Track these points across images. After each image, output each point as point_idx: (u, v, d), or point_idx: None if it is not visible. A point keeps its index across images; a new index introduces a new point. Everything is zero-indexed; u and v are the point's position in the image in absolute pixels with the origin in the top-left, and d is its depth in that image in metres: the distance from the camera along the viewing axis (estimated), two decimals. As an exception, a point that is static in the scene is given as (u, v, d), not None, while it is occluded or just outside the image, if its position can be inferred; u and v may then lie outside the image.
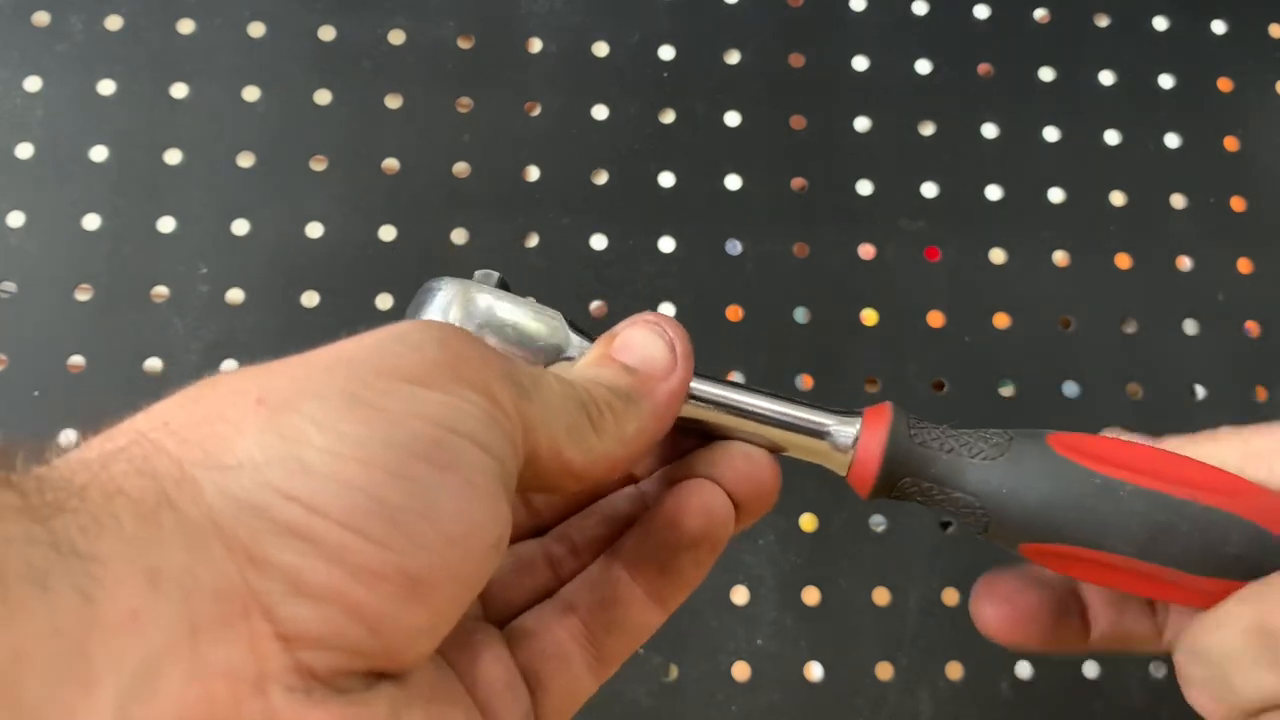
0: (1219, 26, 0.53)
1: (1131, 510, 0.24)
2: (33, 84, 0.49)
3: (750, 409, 0.26)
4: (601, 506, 0.28)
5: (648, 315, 0.26)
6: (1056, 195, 0.51)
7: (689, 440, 0.27)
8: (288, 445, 0.19)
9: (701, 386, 0.27)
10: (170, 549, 0.17)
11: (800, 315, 0.48)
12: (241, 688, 0.17)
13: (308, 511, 0.18)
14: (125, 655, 0.16)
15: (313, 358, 0.21)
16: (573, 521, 0.28)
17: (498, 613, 0.26)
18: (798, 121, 0.51)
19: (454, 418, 0.20)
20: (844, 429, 0.26)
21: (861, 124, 0.51)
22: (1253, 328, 0.49)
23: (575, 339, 0.27)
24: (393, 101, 0.50)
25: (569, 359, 0.26)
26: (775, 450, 0.27)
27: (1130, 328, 0.49)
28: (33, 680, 0.15)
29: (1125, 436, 0.27)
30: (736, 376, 0.47)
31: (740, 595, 0.45)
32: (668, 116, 0.51)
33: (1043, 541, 0.25)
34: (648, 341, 0.25)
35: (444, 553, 0.19)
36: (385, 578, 0.19)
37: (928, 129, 0.51)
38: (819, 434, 0.26)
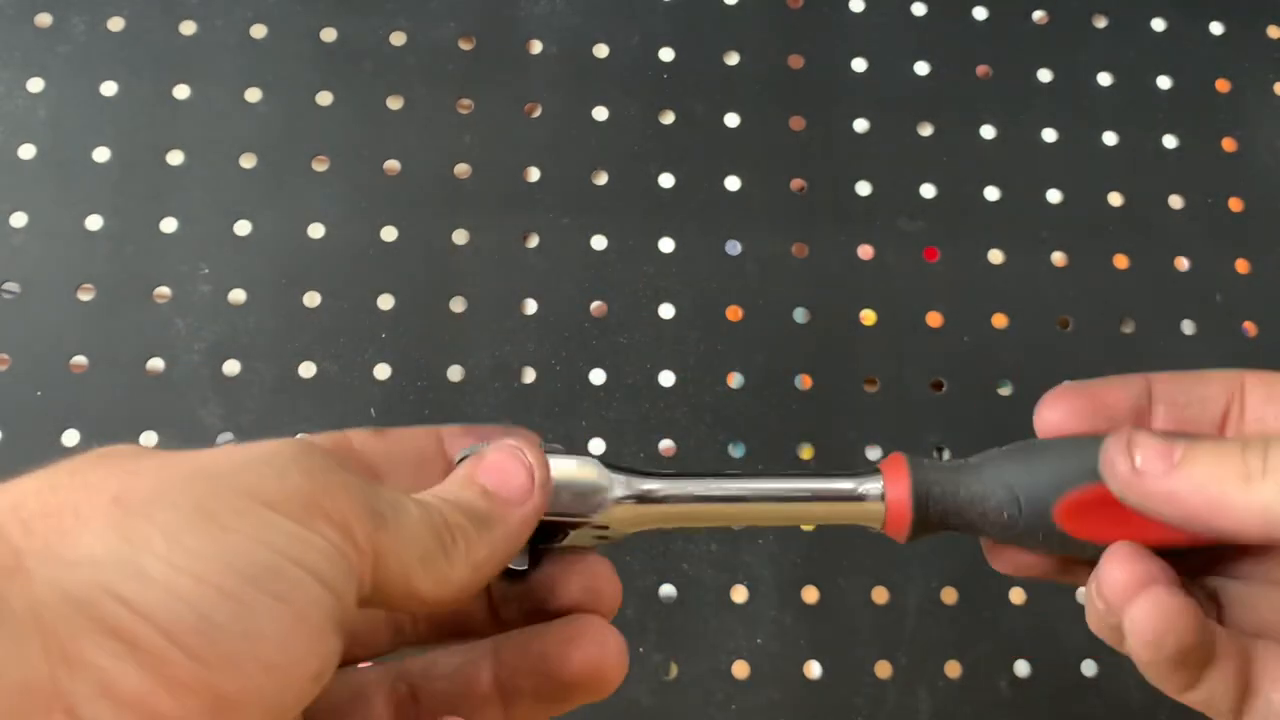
0: (1217, 28, 0.54)
1: None
2: (35, 85, 0.49)
3: (782, 494, 0.28)
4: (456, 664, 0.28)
5: (511, 439, 0.26)
6: (1055, 196, 0.51)
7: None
8: (130, 549, 0.19)
9: (713, 485, 0.28)
10: None
11: (800, 315, 0.48)
12: None
13: (133, 615, 0.19)
14: None
15: (177, 462, 0.21)
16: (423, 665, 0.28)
17: None
18: (797, 122, 0.51)
19: (300, 550, 0.21)
20: (872, 487, 0.28)
21: (861, 125, 0.51)
22: (1250, 328, 0.49)
23: (618, 478, 0.27)
24: (394, 102, 0.50)
25: (620, 499, 0.27)
26: (806, 523, 0.28)
27: (1128, 328, 0.49)
28: None
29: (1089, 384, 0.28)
30: (737, 377, 0.47)
31: (740, 594, 0.45)
32: (668, 117, 0.51)
33: (1073, 488, 0.27)
34: (506, 466, 0.26)
35: (259, 678, 0.20)
36: (194, 692, 0.19)
37: (926, 130, 0.51)
38: (854, 499, 0.28)
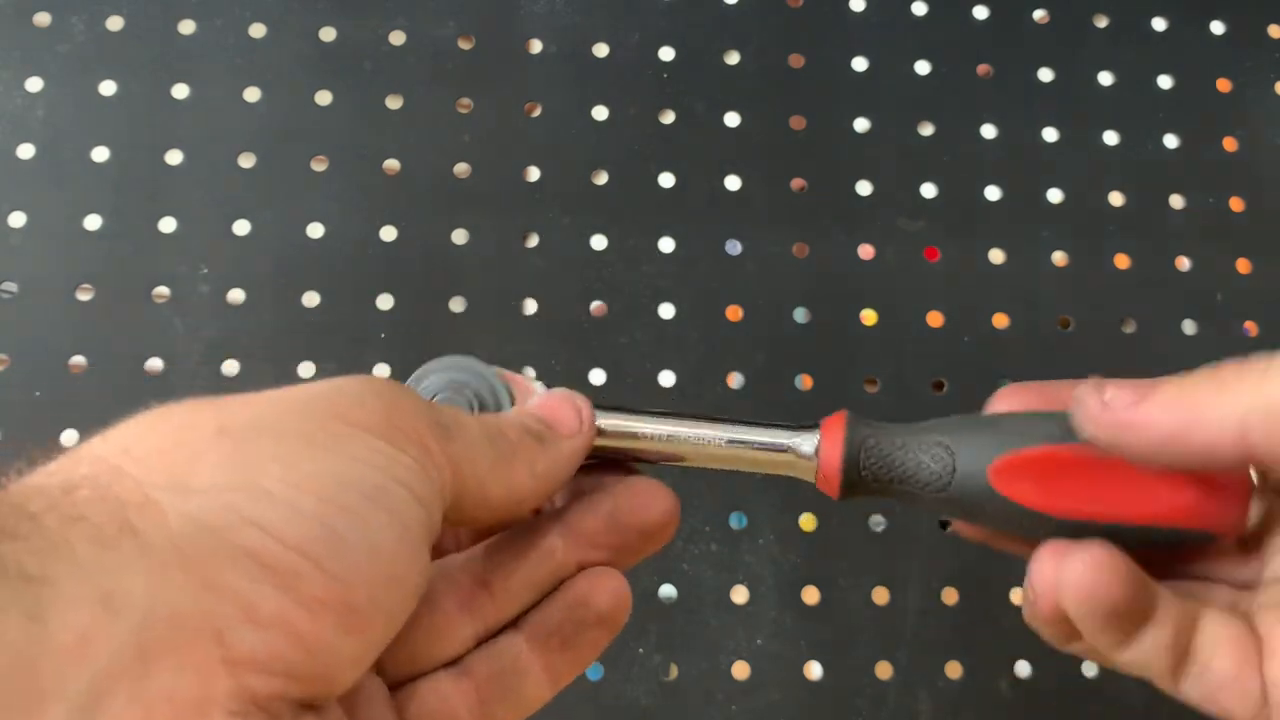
0: (1218, 27, 0.54)
1: (1062, 535, 0.26)
2: (34, 84, 0.49)
3: (723, 439, 0.29)
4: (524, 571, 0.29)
5: (563, 390, 0.29)
6: (1055, 196, 0.51)
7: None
8: (249, 474, 0.20)
9: (658, 425, 0.29)
10: (128, 573, 0.18)
11: (800, 315, 0.48)
12: (184, 712, 0.18)
13: (265, 536, 0.19)
14: (72, 678, 0.16)
15: (265, 397, 0.23)
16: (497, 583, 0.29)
17: (397, 668, 0.27)
18: (797, 122, 0.51)
19: (396, 468, 0.22)
20: (808, 442, 0.28)
21: (861, 124, 0.51)
22: (1251, 328, 0.49)
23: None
24: (393, 102, 0.50)
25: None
26: (743, 469, 0.29)
27: (1129, 328, 0.49)
28: None
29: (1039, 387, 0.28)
30: (737, 377, 0.47)
31: (740, 595, 0.45)
32: (668, 117, 0.51)
33: (1008, 450, 0.27)
34: (559, 404, 0.28)
35: (382, 589, 0.21)
36: (329, 607, 0.20)
37: (927, 129, 0.51)
38: (789, 451, 0.28)
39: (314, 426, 0.22)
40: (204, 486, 0.20)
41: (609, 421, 0.28)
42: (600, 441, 0.28)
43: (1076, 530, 0.26)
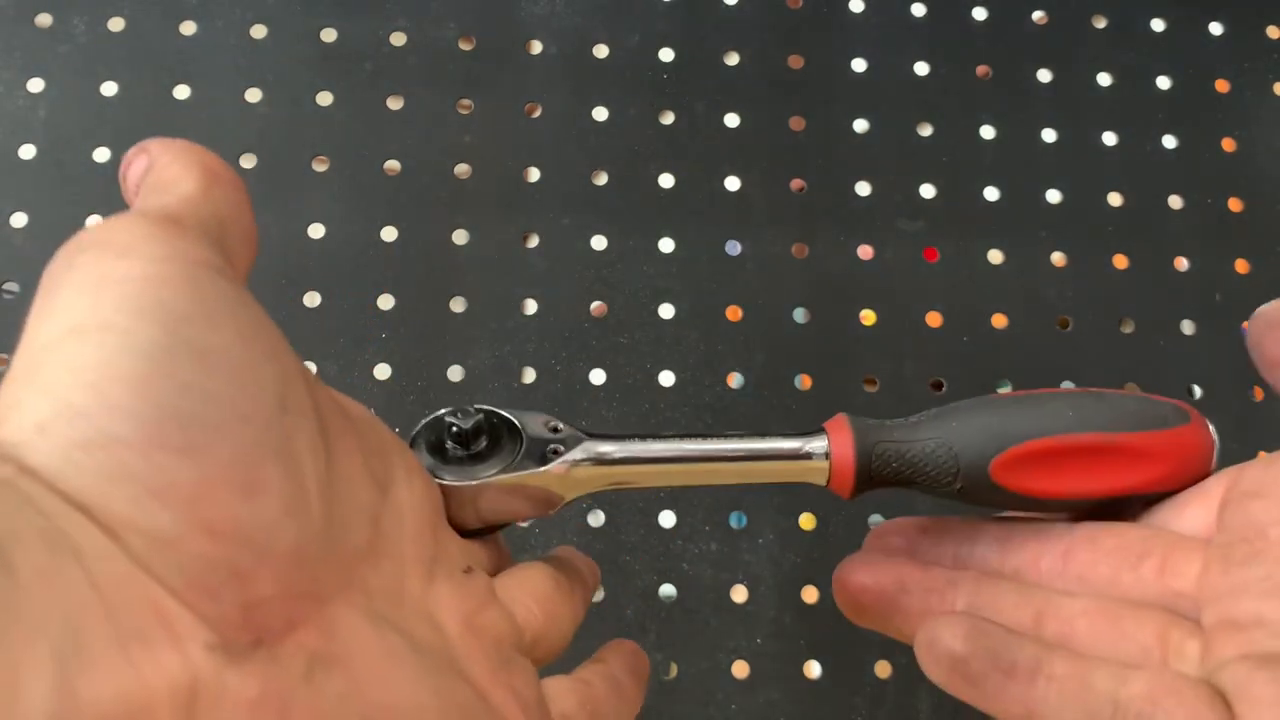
0: (1216, 28, 0.54)
1: (1060, 511, 0.30)
2: (35, 85, 0.49)
3: (730, 454, 0.29)
4: None
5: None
6: (1054, 196, 0.51)
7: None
8: (56, 395, 0.18)
9: (663, 446, 0.29)
10: (43, 513, 0.17)
11: (800, 315, 0.48)
12: (160, 649, 0.17)
13: (107, 451, 0.18)
14: (48, 616, 0.16)
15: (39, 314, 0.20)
16: None
17: None
18: (797, 122, 0.51)
19: (145, 278, 0.19)
20: (818, 444, 0.29)
21: (860, 125, 0.51)
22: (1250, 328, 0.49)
23: (575, 440, 0.29)
24: (394, 103, 0.50)
25: (578, 462, 0.29)
26: (754, 481, 0.30)
27: (1128, 328, 0.49)
28: None
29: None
30: (737, 377, 0.47)
31: (740, 594, 0.45)
32: (668, 117, 0.51)
33: (1009, 447, 0.28)
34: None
35: (237, 428, 0.19)
36: (213, 483, 0.18)
37: (926, 130, 0.51)
38: (800, 457, 0.29)
39: (85, 309, 0.19)
40: (37, 425, 0.18)
41: (616, 448, 0.28)
42: (609, 469, 0.28)
43: (1069, 506, 0.29)
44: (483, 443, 0.28)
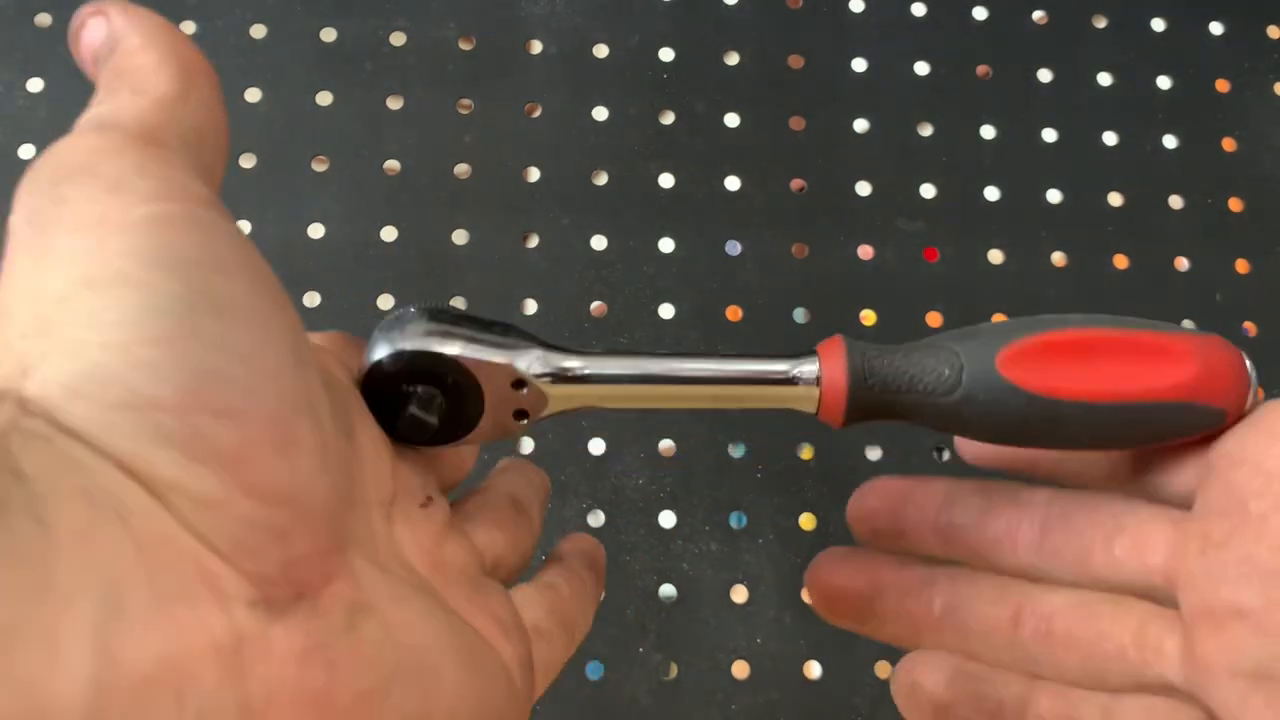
0: (1216, 28, 0.54)
1: (1078, 426, 0.26)
2: (35, 85, 0.49)
3: (711, 375, 0.26)
4: None
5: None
6: (1054, 196, 0.51)
7: None
8: (78, 363, 0.17)
9: (637, 364, 0.27)
10: (86, 471, 0.17)
11: (800, 315, 0.48)
12: (203, 608, 0.17)
13: (149, 412, 0.17)
14: (87, 576, 0.15)
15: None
16: None
17: None
18: (797, 122, 0.51)
19: (164, 231, 0.19)
20: (807, 368, 0.26)
21: (860, 125, 0.51)
22: (1250, 328, 0.49)
23: (533, 352, 0.27)
24: (394, 103, 0.50)
25: (538, 376, 0.27)
26: (735, 407, 0.27)
27: (1128, 328, 0.49)
28: (3, 605, 0.15)
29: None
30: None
31: (740, 594, 0.45)
32: (668, 117, 0.51)
33: (1014, 339, 0.26)
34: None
35: (269, 379, 0.19)
36: (252, 442, 0.18)
37: (926, 130, 0.51)
38: (788, 381, 0.26)
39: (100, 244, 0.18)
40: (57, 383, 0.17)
41: (588, 364, 0.26)
42: (581, 388, 0.26)
43: (1089, 413, 0.26)
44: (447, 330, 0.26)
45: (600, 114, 0.51)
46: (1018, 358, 0.26)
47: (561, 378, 0.26)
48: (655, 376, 0.26)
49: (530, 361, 0.26)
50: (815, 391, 0.26)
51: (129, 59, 0.21)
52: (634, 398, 0.26)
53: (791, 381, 0.26)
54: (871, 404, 0.26)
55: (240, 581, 0.18)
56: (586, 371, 0.26)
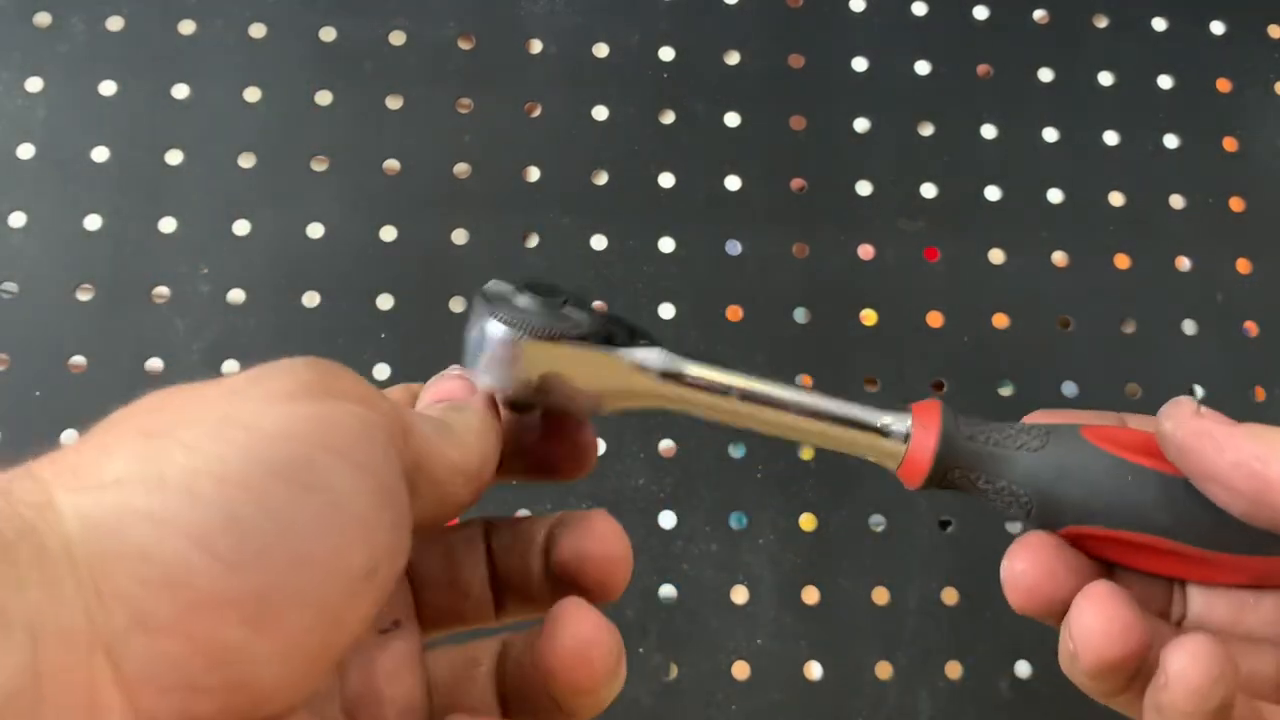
0: (1218, 27, 0.54)
1: (1160, 497, 0.26)
2: (34, 84, 0.49)
3: (805, 406, 0.27)
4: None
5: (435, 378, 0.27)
6: (1055, 196, 0.51)
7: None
8: (152, 465, 0.18)
9: (751, 383, 0.27)
10: (21, 587, 0.17)
11: (800, 315, 0.48)
12: None
13: (157, 527, 0.18)
14: None
15: (200, 389, 0.21)
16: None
17: None
18: (797, 122, 0.51)
19: (328, 432, 0.20)
20: (899, 425, 0.27)
21: (861, 124, 0.51)
22: (1251, 328, 0.49)
23: (652, 352, 0.27)
24: (393, 102, 0.50)
25: (663, 373, 0.27)
26: (817, 445, 0.27)
27: (1129, 328, 0.49)
28: None
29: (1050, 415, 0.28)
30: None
31: (740, 595, 0.45)
32: (668, 117, 0.51)
33: (1083, 524, 0.26)
34: (440, 385, 0.26)
35: (294, 573, 0.19)
36: (229, 602, 0.18)
37: (927, 129, 0.51)
38: (877, 431, 0.27)
39: (239, 409, 0.20)
40: (104, 482, 0.18)
41: (693, 369, 0.27)
42: (681, 390, 0.27)
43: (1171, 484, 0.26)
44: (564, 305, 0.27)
45: (600, 113, 0.51)
46: (1105, 433, 0.26)
47: (678, 378, 0.27)
48: (754, 395, 0.27)
49: (655, 354, 0.27)
50: (901, 450, 0.27)
51: (465, 423, 0.25)
52: (724, 411, 0.27)
53: (883, 434, 0.27)
54: (959, 458, 0.26)
55: (126, 717, 0.17)
56: (693, 375, 0.27)
